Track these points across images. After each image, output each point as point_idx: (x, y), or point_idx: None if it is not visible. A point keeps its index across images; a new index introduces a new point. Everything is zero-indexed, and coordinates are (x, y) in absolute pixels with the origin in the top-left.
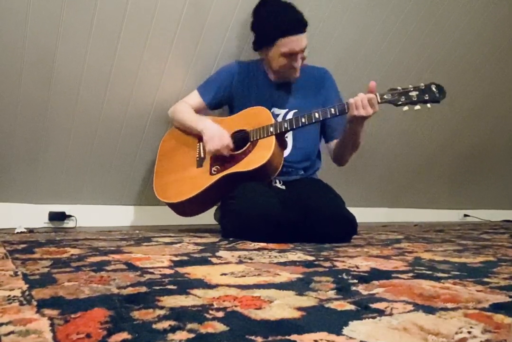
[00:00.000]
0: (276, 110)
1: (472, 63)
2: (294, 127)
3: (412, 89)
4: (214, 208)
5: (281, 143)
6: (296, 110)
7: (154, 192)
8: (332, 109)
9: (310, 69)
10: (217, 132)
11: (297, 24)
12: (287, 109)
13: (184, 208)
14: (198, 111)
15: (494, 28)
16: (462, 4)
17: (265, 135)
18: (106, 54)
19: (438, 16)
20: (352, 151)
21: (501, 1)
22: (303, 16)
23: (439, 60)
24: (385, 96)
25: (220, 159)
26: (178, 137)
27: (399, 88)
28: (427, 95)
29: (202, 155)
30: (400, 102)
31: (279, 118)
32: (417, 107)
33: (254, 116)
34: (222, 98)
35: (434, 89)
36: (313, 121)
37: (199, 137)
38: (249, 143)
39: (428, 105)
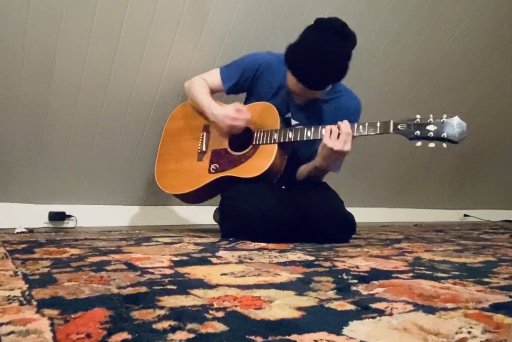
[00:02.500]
0: (290, 118)
1: (472, 62)
2: (298, 139)
3: (431, 122)
4: (214, 206)
5: (284, 149)
6: (305, 127)
7: (154, 178)
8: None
9: (346, 96)
10: (231, 114)
11: (310, 81)
12: (298, 122)
13: (182, 198)
14: (214, 92)
15: (493, 27)
16: (463, 3)
17: (268, 142)
18: (106, 53)
19: (438, 16)
20: (308, 180)
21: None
22: (324, 76)
23: (439, 59)
24: (399, 127)
25: (220, 157)
26: (186, 117)
27: (417, 118)
28: (445, 133)
29: (203, 148)
30: (413, 137)
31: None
32: (431, 144)
33: (262, 115)
34: (242, 87)
35: (455, 126)
36: (319, 137)
37: (204, 126)
38: (251, 146)
39: (444, 145)
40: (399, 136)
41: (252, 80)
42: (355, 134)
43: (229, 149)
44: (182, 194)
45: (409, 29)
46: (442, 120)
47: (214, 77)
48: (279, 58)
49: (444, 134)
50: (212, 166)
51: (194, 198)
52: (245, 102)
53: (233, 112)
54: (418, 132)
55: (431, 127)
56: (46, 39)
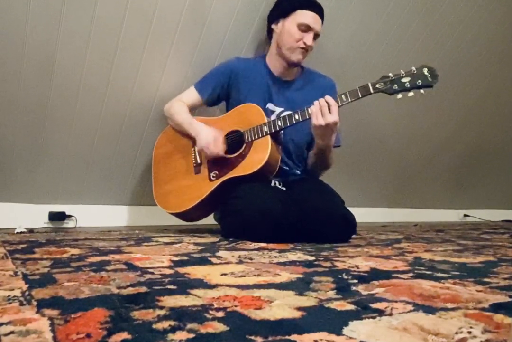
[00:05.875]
0: (270, 106)
1: (473, 61)
2: (288, 124)
3: (404, 75)
4: None
5: (277, 141)
6: (291, 112)
7: (154, 200)
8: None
9: (318, 76)
10: (210, 139)
11: (318, 6)
12: (282, 108)
13: (188, 215)
14: (194, 108)
15: (495, 25)
16: (462, 4)
17: (260, 136)
18: (106, 53)
19: (439, 14)
20: (321, 169)
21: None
22: (321, 6)
23: (440, 58)
24: (377, 86)
25: (217, 164)
26: (172, 141)
27: (390, 75)
28: (419, 80)
29: (199, 161)
30: (392, 91)
31: (274, 116)
32: (411, 94)
33: (246, 115)
34: (220, 94)
35: (426, 73)
36: (307, 117)
37: (193, 141)
38: (244, 145)
39: (422, 91)
40: (399, 135)
41: (228, 87)
42: (340, 104)
43: (224, 154)
44: (187, 210)
45: (408, 31)
46: (413, 71)
47: (190, 93)
48: (249, 60)
49: (419, 81)
50: (212, 174)
51: (200, 212)
52: (227, 109)
53: (212, 141)
54: (395, 86)
55: (405, 79)
56: (46, 39)
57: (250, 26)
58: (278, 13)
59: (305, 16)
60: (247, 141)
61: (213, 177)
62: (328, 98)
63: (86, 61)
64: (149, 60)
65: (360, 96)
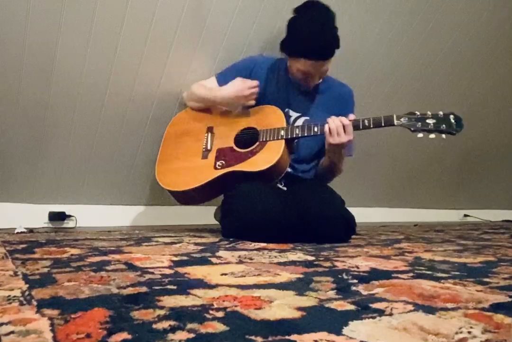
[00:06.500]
0: (289, 112)
1: (472, 62)
2: (306, 135)
3: (430, 116)
4: (214, 206)
5: (289, 148)
6: (308, 118)
7: (155, 178)
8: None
9: (337, 85)
10: (234, 92)
11: (322, 52)
12: (300, 114)
13: (183, 196)
14: None
15: (495, 25)
16: (463, 4)
17: (276, 138)
18: (106, 53)
19: (440, 14)
20: (330, 177)
21: (500, 3)
22: (332, 42)
23: (439, 60)
24: (401, 120)
25: (226, 155)
26: (189, 122)
27: (417, 113)
28: (444, 125)
29: (209, 147)
30: (415, 129)
31: (291, 120)
32: (432, 136)
33: (267, 115)
34: None
35: (452, 120)
36: (325, 131)
37: (208, 128)
38: (257, 143)
39: (443, 135)
40: (399, 136)
41: None
42: (360, 128)
43: (235, 147)
44: (184, 191)
45: (407, 31)
46: (439, 115)
47: (211, 83)
48: (272, 59)
49: (443, 126)
50: (218, 162)
51: (196, 196)
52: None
53: (240, 85)
54: (419, 124)
55: (430, 121)
56: (46, 39)
57: (250, 26)
58: (284, 49)
59: (306, 65)
60: (261, 140)
61: (218, 165)
62: (343, 119)
63: (86, 61)
64: (149, 60)
65: (383, 125)
